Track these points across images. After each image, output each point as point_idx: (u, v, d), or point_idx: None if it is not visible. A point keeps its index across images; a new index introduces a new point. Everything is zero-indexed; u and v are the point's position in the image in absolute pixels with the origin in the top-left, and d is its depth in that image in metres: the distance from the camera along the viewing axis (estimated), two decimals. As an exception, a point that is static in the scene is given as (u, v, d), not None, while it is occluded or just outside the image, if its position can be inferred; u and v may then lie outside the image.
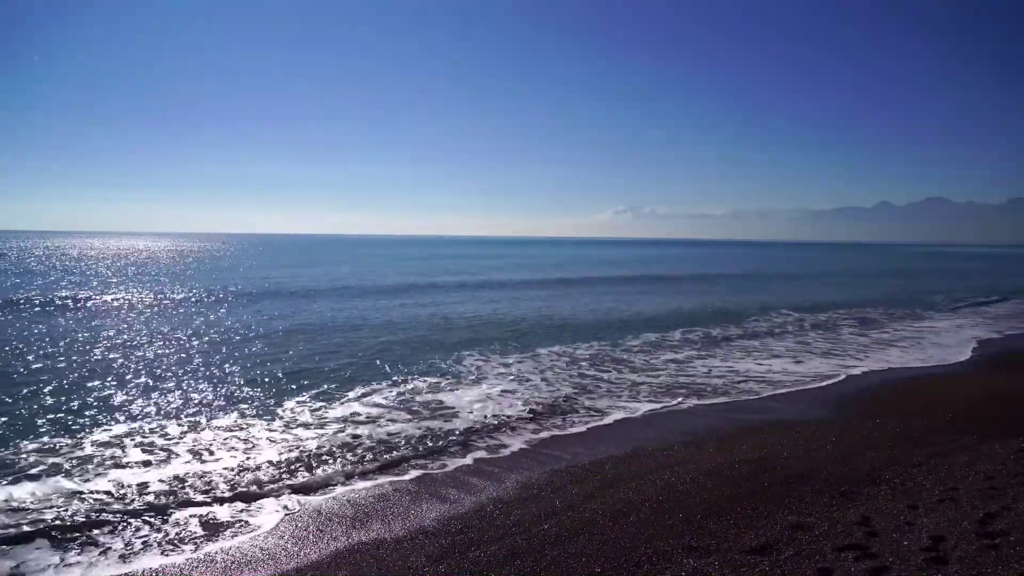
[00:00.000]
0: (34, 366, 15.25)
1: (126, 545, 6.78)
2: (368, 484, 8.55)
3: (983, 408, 11.58)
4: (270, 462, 9.31)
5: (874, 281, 45.32)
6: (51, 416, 11.21)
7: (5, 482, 8.29)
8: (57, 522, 7.26)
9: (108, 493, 8.12)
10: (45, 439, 9.98)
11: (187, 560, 6.43)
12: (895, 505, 6.99)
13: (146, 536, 7.00)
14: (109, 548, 6.70)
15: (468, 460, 9.52)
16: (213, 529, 7.17)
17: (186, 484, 8.44)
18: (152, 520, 7.38)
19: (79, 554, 6.59)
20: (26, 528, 7.10)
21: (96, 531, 7.09)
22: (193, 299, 32.19)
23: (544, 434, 10.85)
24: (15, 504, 7.72)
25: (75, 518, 7.39)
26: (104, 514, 7.49)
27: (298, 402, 12.54)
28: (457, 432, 10.95)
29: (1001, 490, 7.21)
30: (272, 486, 8.45)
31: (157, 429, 10.63)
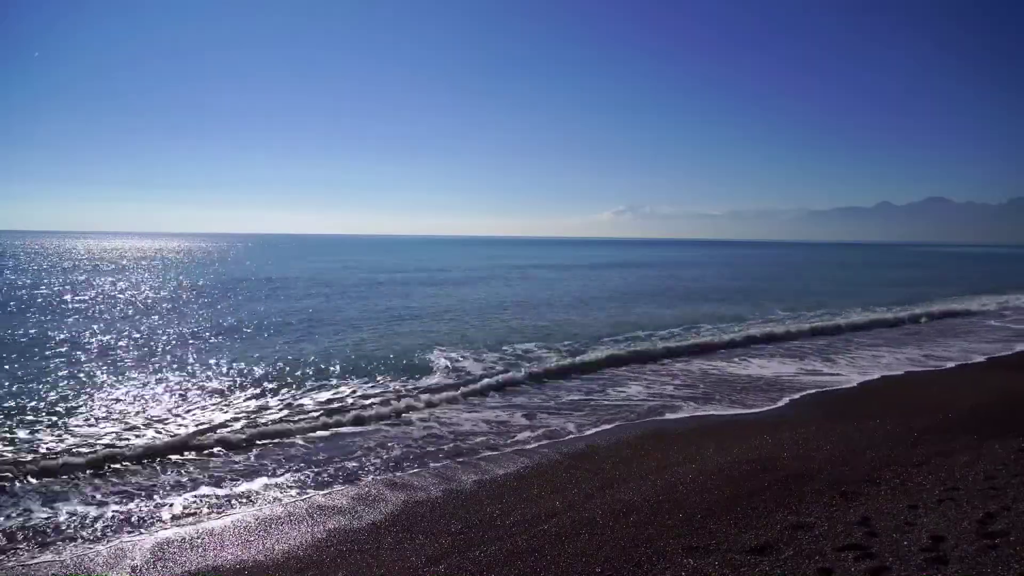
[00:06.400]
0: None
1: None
2: (367, 485, 8.56)
3: (983, 408, 11.57)
4: (272, 454, 9.35)
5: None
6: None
7: None
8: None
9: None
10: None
11: (177, 538, 6.45)
12: (895, 505, 6.98)
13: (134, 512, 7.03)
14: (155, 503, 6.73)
15: (468, 461, 9.53)
16: (210, 523, 7.19)
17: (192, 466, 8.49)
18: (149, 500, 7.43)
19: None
20: None
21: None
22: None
23: (544, 434, 10.86)
24: None
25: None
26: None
27: (305, 396, 12.60)
28: (456, 433, 10.97)
29: (1001, 490, 7.21)
30: (272, 481, 8.48)
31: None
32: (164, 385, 13.91)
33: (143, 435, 10.35)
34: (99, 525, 7.32)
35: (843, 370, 16.40)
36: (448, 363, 16.46)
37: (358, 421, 11.35)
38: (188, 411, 11.88)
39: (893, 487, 7.61)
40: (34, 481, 8.49)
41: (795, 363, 17.24)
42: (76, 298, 31.56)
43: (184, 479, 8.74)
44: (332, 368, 15.81)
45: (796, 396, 13.52)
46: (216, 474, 8.95)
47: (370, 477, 8.86)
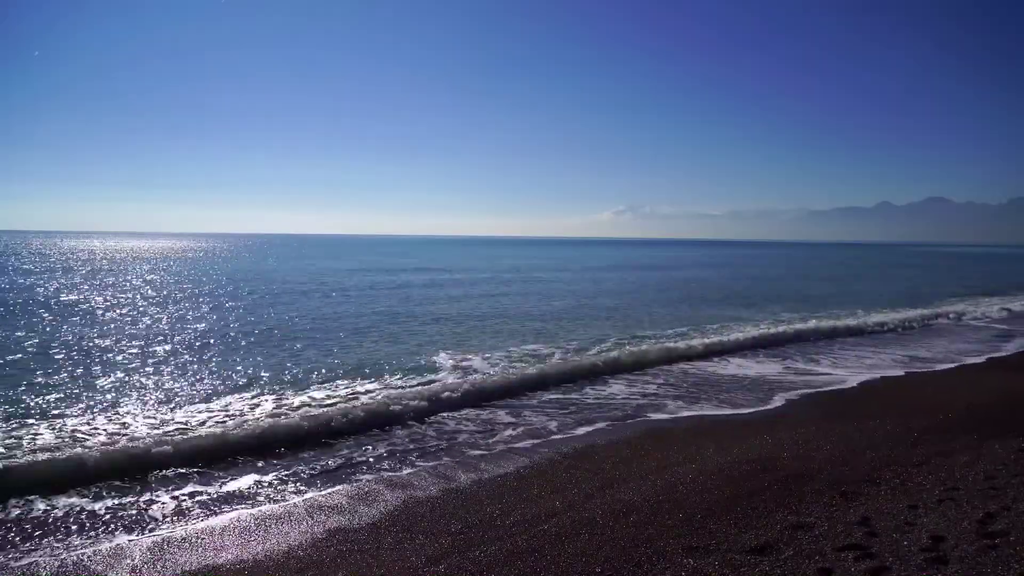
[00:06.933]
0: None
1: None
2: (367, 485, 8.56)
3: (983, 408, 11.58)
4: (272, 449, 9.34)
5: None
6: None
7: None
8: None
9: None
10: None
11: (180, 531, 6.45)
12: (895, 505, 6.99)
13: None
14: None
15: (467, 461, 9.53)
16: (208, 521, 7.19)
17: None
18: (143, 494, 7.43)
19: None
20: None
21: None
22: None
23: (544, 434, 10.87)
24: None
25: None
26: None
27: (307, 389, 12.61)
28: (456, 433, 10.96)
29: (1001, 490, 7.21)
30: (271, 480, 8.48)
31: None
32: (163, 387, 13.92)
33: (143, 435, 10.34)
34: (97, 524, 7.32)
35: (827, 369, 16.57)
36: (451, 364, 16.45)
37: (359, 421, 11.31)
38: (186, 412, 11.87)
39: (893, 487, 7.61)
40: (34, 480, 8.45)
41: (777, 363, 17.28)
42: (77, 300, 31.56)
43: (183, 479, 8.74)
44: (333, 369, 15.82)
45: (794, 396, 13.53)
46: (215, 474, 8.95)
47: (370, 477, 8.86)
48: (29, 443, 9.83)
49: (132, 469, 8.95)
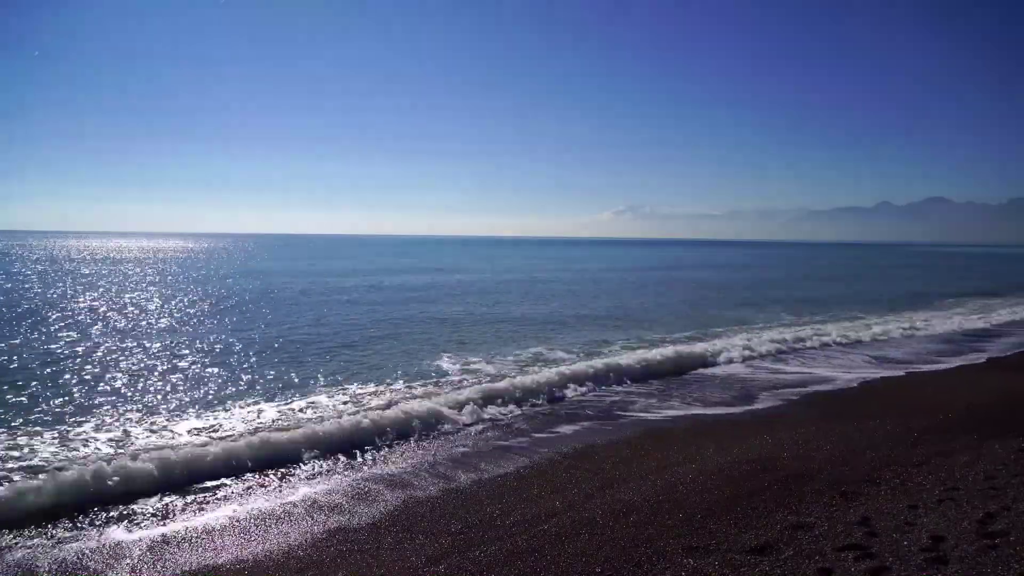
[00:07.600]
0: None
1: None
2: (366, 484, 8.56)
3: (982, 408, 11.57)
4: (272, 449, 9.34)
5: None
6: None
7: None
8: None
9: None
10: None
11: (180, 532, 6.45)
12: (895, 505, 6.98)
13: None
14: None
15: (466, 461, 9.53)
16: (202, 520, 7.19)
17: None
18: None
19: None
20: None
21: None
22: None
23: (543, 435, 10.87)
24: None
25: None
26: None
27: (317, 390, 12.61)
28: (456, 432, 10.96)
29: (1001, 490, 7.20)
30: (271, 481, 8.47)
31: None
32: (164, 393, 13.93)
33: (146, 437, 10.36)
34: (97, 524, 7.32)
35: (796, 368, 16.71)
36: (453, 367, 16.43)
37: (359, 423, 11.31)
38: (187, 415, 11.89)
39: (893, 487, 7.60)
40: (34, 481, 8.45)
41: (741, 363, 17.15)
42: (76, 305, 31.58)
43: (183, 479, 8.72)
44: (334, 373, 15.83)
45: (792, 396, 13.53)
46: (215, 475, 8.93)
47: (369, 477, 8.86)
48: (43, 457, 9.82)
49: (133, 473, 8.93)
